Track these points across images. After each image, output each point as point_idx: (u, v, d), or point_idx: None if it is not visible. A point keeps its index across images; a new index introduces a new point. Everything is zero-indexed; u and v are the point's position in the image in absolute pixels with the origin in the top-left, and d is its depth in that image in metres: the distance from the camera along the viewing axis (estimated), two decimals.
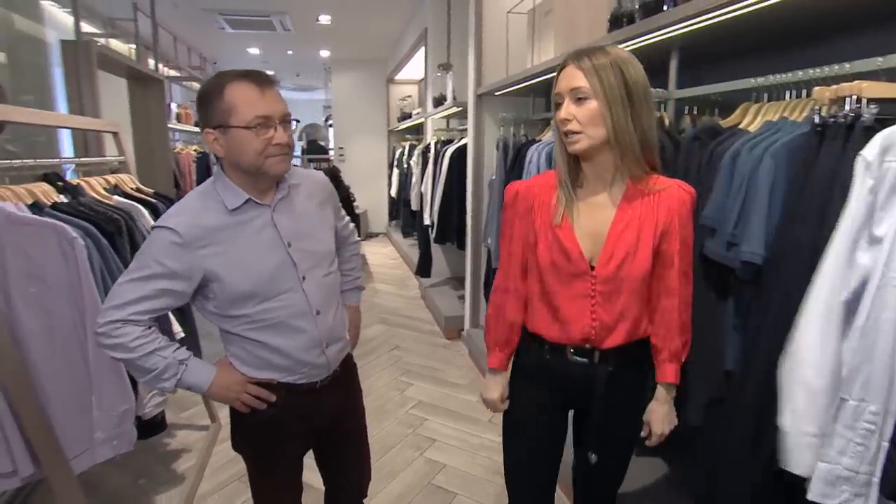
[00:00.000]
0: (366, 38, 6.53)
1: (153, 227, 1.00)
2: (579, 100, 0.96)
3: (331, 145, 8.25)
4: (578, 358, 1.09)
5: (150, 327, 1.00)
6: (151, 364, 0.98)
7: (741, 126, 1.40)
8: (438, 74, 4.30)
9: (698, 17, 1.34)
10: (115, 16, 5.07)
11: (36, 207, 1.26)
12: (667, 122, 1.67)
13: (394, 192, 6.35)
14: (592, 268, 1.03)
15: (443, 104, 3.92)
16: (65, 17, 4.16)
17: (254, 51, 7.45)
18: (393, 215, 6.90)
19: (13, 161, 1.32)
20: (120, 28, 5.11)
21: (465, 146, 3.47)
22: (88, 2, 4.64)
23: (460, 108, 3.58)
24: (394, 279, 5.32)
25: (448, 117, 4.29)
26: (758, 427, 1.13)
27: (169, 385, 1.01)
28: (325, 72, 8.37)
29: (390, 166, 6.94)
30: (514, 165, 2.55)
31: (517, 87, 2.64)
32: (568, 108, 0.97)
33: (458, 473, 2.15)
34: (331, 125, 8.55)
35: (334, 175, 5.03)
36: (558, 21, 2.22)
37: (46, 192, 1.35)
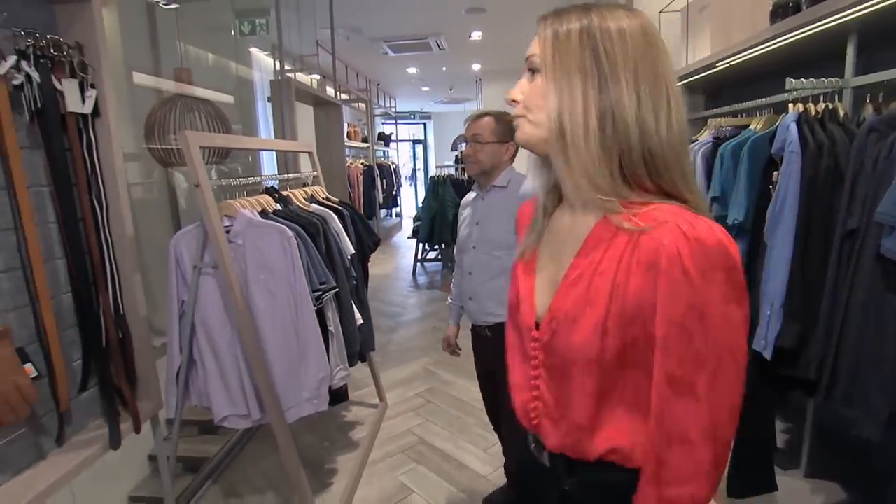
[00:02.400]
0: (515, 49, 6.73)
1: None
2: (531, 73, 0.70)
3: None
4: (535, 449, 0.80)
5: None
6: None
7: None
8: None
9: None
10: (301, 53, 5.96)
11: (263, 213, 1.64)
12: (841, 113, 1.55)
13: None
14: (538, 326, 0.73)
15: None
16: (265, 59, 5.01)
17: (412, 70, 8.10)
18: None
19: (249, 178, 1.72)
20: (305, 62, 5.98)
21: None
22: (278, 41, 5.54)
23: None
24: None
25: None
26: None
27: None
28: (477, 84, 8.76)
29: None
30: None
31: None
32: (518, 84, 0.71)
33: None
34: None
35: None
36: (715, 16, 2.15)
37: (269, 202, 1.73)
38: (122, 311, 1.49)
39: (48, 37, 1.29)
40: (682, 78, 2.39)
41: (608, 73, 0.63)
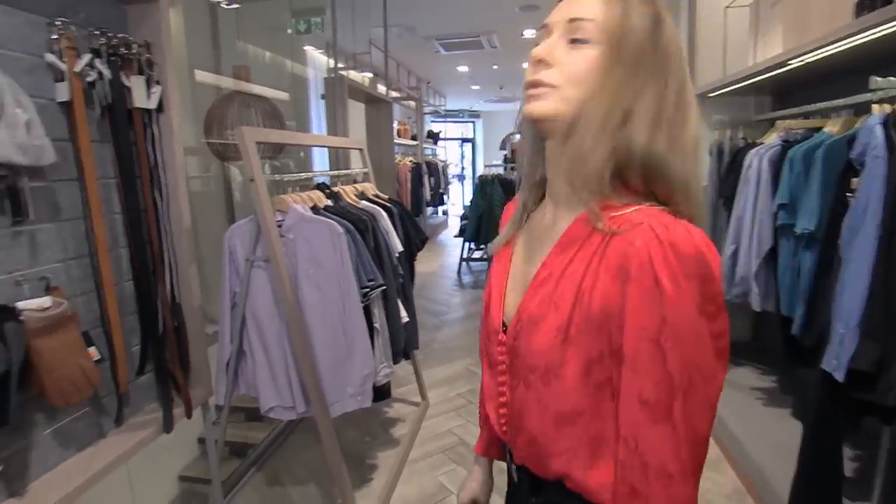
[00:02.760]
0: None
1: None
2: (574, 42, 0.59)
3: None
4: (508, 461, 0.76)
5: None
6: None
7: None
8: None
9: None
10: (354, 51, 6.05)
11: (315, 209, 1.66)
12: None
13: None
14: (506, 328, 0.68)
15: None
16: (319, 57, 5.11)
17: (463, 68, 8.09)
18: None
19: (301, 174, 1.74)
20: (358, 60, 6.07)
21: None
22: (329, 38, 5.64)
23: None
24: None
25: None
26: None
27: None
28: None
29: None
30: (729, 171, 2.38)
31: (736, 86, 2.45)
32: (550, 44, 0.60)
33: None
34: None
35: None
36: (788, 10, 2.02)
37: (319, 198, 1.75)
38: (178, 301, 1.54)
39: (119, 35, 1.35)
40: (747, 77, 2.26)
41: (664, 68, 0.58)
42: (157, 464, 2.03)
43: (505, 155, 7.97)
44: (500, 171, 6.08)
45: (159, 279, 1.47)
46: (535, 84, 0.60)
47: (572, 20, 0.59)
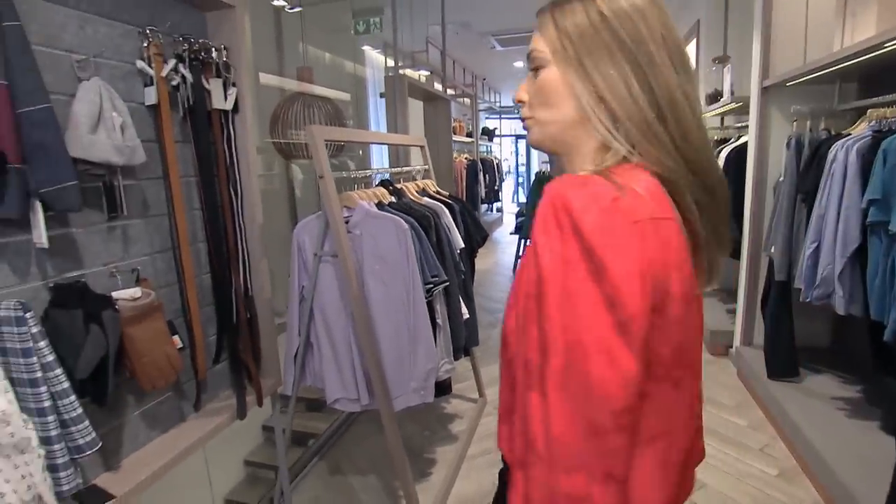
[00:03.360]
0: None
1: None
2: (535, 70, 0.64)
3: None
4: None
5: None
6: None
7: None
8: (713, 69, 3.98)
9: None
10: (412, 49, 6.11)
11: (379, 205, 1.69)
12: None
13: None
14: None
15: (718, 101, 3.61)
16: (376, 56, 5.20)
17: (518, 64, 8.01)
18: None
19: (360, 171, 1.78)
20: (416, 59, 6.13)
21: (743, 146, 3.15)
22: (391, 39, 5.73)
23: (739, 104, 3.26)
24: None
25: (723, 115, 3.92)
26: None
27: None
28: None
29: None
30: (809, 165, 2.23)
31: (818, 73, 2.29)
32: (523, 84, 0.67)
33: (719, 496, 2.01)
34: None
35: None
36: None
37: (384, 194, 1.79)
38: (250, 293, 1.61)
39: (200, 41, 1.42)
40: (834, 63, 2.11)
41: (635, 48, 0.58)
42: (226, 447, 2.12)
43: None
44: (548, 168, 5.98)
45: (234, 272, 1.54)
46: (523, 121, 0.67)
47: (529, 54, 0.64)
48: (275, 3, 3.44)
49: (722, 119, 4.11)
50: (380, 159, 5.04)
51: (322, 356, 1.66)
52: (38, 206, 1.00)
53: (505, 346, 0.64)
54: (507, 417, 0.63)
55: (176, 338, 1.34)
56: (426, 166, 2.38)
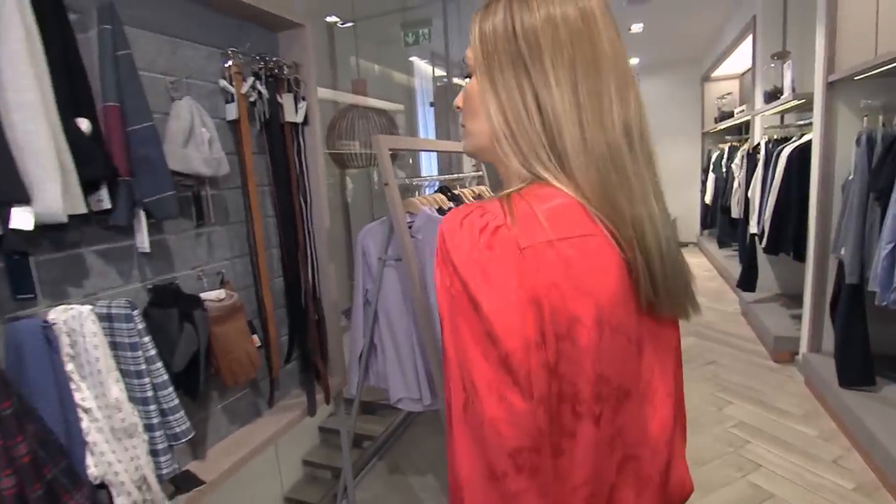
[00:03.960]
0: (678, 39, 6.25)
1: None
2: (467, 79, 0.63)
3: None
4: None
5: None
6: None
7: None
8: (771, 66, 3.84)
9: None
10: (459, 59, 6.20)
11: (440, 210, 1.74)
12: None
13: (708, 199, 5.89)
14: None
15: (777, 98, 3.49)
16: (424, 66, 5.30)
17: None
18: (706, 224, 6.38)
19: (424, 177, 1.84)
20: (463, 68, 6.21)
21: (807, 144, 3.03)
22: (438, 48, 5.84)
23: (802, 101, 3.14)
24: (707, 292, 4.95)
25: (783, 112, 3.78)
26: None
27: None
28: (634, 78, 8.31)
29: (704, 171, 6.46)
30: (883, 163, 2.13)
31: (892, 65, 2.19)
32: (461, 93, 0.65)
33: None
34: None
35: None
36: None
37: (443, 200, 1.84)
38: (318, 296, 1.69)
39: (273, 59, 1.52)
40: None
41: (533, 65, 0.55)
42: (286, 445, 2.21)
43: None
44: None
45: (304, 276, 1.62)
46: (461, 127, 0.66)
47: (464, 63, 0.63)
48: (328, 19, 3.59)
49: (782, 117, 3.97)
50: (428, 167, 5.13)
51: (386, 357, 1.72)
52: (142, 214, 1.11)
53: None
54: None
55: (255, 337, 1.43)
56: (480, 172, 2.42)
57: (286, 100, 1.55)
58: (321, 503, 2.04)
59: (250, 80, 1.44)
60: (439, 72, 6.07)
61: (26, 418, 0.89)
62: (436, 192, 1.92)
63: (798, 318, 3.24)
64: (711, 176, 5.76)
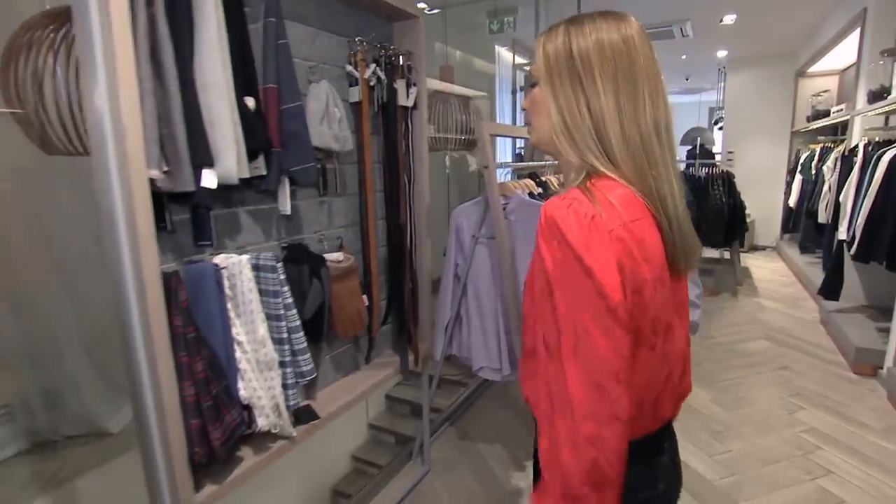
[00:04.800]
0: (773, 31, 5.93)
1: None
2: (532, 87, 0.79)
3: (716, 149, 7.84)
4: None
5: None
6: None
7: None
8: (880, 63, 3.63)
9: None
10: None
11: (530, 195, 1.85)
12: None
13: (792, 202, 5.62)
14: None
15: (884, 98, 3.30)
16: (504, 54, 5.35)
17: None
18: (787, 228, 6.09)
19: (520, 164, 1.94)
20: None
21: None
22: (520, 37, 5.85)
23: None
24: (784, 297, 4.77)
25: (888, 114, 3.57)
26: None
27: None
28: (719, 72, 7.96)
29: (790, 172, 6.15)
30: None
31: None
32: (527, 96, 0.82)
33: None
34: (720, 128, 8.11)
35: (728, 180, 4.85)
36: None
37: (531, 185, 1.94)
38: (414, 266, 1.85)
39: (391, 47, 1.66)
40: None
41: (586, 78, 0.71)
42: (332, 443, 2.15)
43: (689, 150, 7.47)
44: (683, 167, 5.74)
45: (404, 247, 1.78)
46: (526, 125, 0.83)
47: (528, 73, 0.83)
48: (417, 5, 3.72)
49: (886, 119, 3.74)
50: (503, 153, 5.20)
51: (471, 329, 1.85)
52: (286, 181, 1.28)
53: (524, 321, 0.80)
54: (530, 378, 0.79)
55: (364, 297, 1.60)
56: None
57: (399, 85, 1.69)
58: (391, 464, 2.20)
59: (372, 66, 1.59)
60: (520, 59, 6.10)
61: (201, 343, 1.09)
62: (526, 177, 2.02)
63: (884, 331, 3.10)
64: (798, 177, 5.48)
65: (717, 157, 7.40)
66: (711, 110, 10.44)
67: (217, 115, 1.06)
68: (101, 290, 1.89)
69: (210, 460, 1.10)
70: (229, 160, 1.08)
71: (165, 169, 1.00)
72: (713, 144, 8.34)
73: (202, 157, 1.03)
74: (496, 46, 5.36)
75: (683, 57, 7.51)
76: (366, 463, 2.22)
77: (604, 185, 0.70)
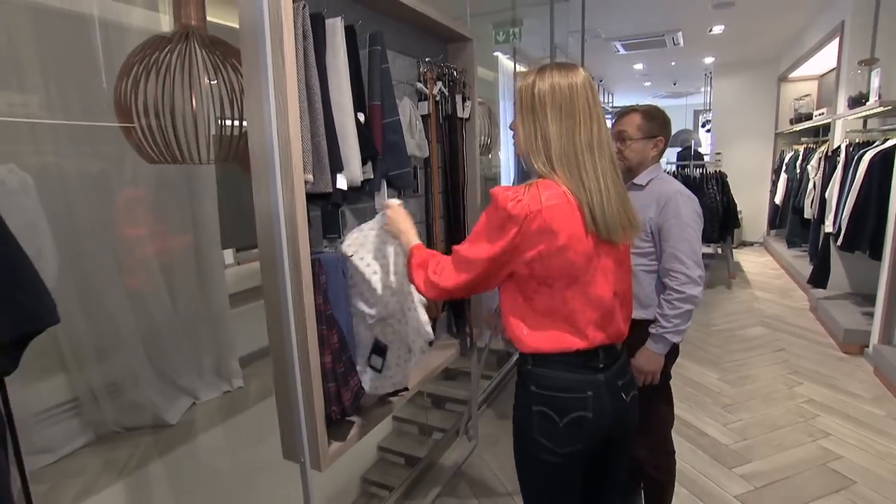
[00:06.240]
0: (757, 40, 6.31)
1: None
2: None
3: (703, 150, 8.20)
4: None
5: None
6: None
7: None
8: (858, 72, 3.97)
9: None
10: (539, 56, 6.47)
11: None
12: None
13: (778, 199, 5.98)
14: None
15: (862, 104, 3.64)
16: (505, 62, 5.62)
17: (638, 66, 8.08)
18: (774, 224, 6.46)
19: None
20: (541, 64, 6.47)
21: (889, 149, 3.21)
22: (521, 46, 6.14)
23: (888, 108, 3.30)
24: (775, 288, 5.10)
25: (866, 118, 3.91)
26: None
27: None
28: (705, 77, 8.34)
29: (776, 171, 6.52)
30: None
31: None
32: (514, 119, 1.14)
33: (858, 467, 2.20)
34: (707, 130, 8.49)
35: (722, 180, 5.17)
36: None
37: None
38: None
39: (451, 66, 1.91)
40: None
41: (541, 112, 1.02)
42: (343, 467, 2.24)
43: (678, 152, 7.82)
44: (673, 168, 6.07)
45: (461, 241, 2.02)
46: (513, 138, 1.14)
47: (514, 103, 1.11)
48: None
49: (865, 121, 4.08)
50: (506, 159, 5.47)
51: None
52: (384, 183, 1.52)
53: None
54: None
55: None
56: None
57: (457, 100, 1.93)
58: (419, 450, 2.43)
59: (439, 83, 1.83)
60: (521, 68, 6.38)
61: (333, 320, 1.32)
62: None
63: (868, 314, 3.42)
64: (783, 176, 5.84)
65: (706, 158, 7.77)
66: (697, 113, 10.87)
67: (345, 129, 1.29)
68: (158, 292, 2.06)
69: (342, 417, 1.32)
70: (355, 166, 1.31)
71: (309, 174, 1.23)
72: (700, 146, 8.73)
73: (337, 163, 1.26)
74: (497, 54, 5.64)
75: (672, 63, 7.86)
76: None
77: (544, 184, 1.00)
